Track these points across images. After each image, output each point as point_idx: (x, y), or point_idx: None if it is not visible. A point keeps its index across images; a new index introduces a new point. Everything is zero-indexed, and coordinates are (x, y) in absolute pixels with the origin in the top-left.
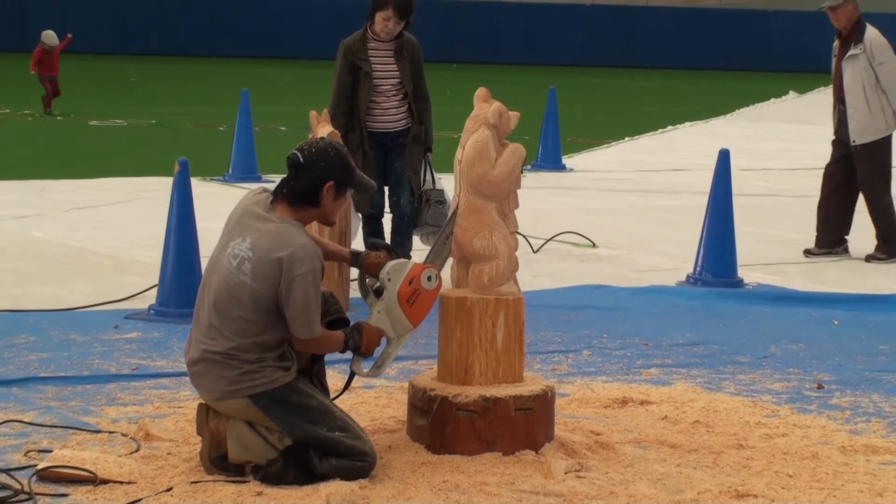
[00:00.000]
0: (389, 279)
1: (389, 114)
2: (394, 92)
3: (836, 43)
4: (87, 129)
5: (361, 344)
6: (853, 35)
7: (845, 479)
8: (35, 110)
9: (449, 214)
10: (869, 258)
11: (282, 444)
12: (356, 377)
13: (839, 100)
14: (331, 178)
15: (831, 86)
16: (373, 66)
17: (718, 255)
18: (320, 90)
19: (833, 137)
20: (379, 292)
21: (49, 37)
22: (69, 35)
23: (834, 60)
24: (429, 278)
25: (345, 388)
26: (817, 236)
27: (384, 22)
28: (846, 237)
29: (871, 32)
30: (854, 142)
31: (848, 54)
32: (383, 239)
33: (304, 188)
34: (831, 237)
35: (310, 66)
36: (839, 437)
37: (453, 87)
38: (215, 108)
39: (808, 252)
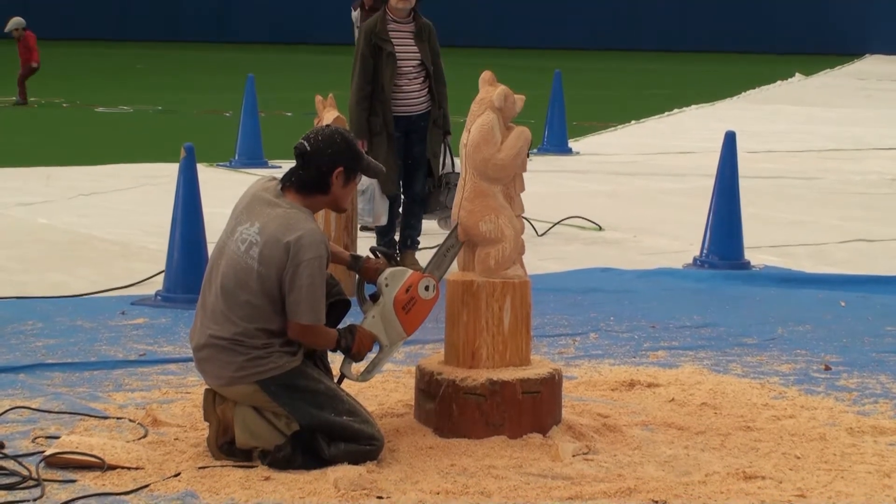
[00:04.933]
0: (387, 285)
1: (412, 97)
2: (415, 74)
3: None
4: (93, 116)
5: (353, 345)
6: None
7: (853, 461)
8: (40, 98)
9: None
10: None
11: (289, 430)
12: (346, 380)
13: None
14: (339, 164)
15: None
16: (395, 47)
17: (725, 238)
18: (326, 75)
19: None
20: (375, 298)
21: (12, 23)
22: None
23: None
24: (426, 288)
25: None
26: None
27: None
28: None
29: None
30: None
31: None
32: (394, 241)
33: (314, 176)
34: None
35: (315, 52)
36: (847, 419)
37: (459, 70)
38: (221, 94)
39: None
